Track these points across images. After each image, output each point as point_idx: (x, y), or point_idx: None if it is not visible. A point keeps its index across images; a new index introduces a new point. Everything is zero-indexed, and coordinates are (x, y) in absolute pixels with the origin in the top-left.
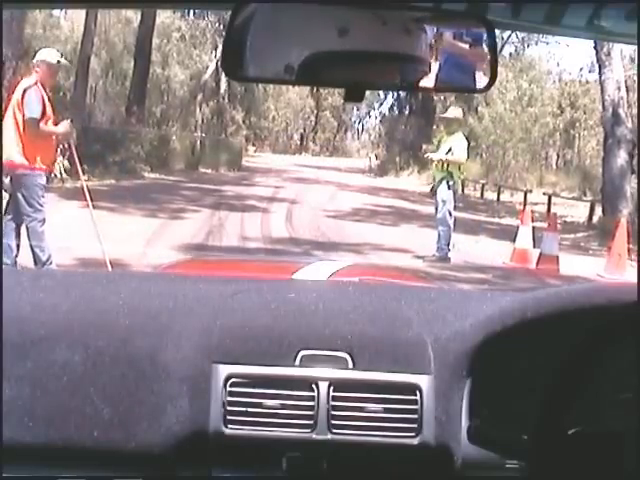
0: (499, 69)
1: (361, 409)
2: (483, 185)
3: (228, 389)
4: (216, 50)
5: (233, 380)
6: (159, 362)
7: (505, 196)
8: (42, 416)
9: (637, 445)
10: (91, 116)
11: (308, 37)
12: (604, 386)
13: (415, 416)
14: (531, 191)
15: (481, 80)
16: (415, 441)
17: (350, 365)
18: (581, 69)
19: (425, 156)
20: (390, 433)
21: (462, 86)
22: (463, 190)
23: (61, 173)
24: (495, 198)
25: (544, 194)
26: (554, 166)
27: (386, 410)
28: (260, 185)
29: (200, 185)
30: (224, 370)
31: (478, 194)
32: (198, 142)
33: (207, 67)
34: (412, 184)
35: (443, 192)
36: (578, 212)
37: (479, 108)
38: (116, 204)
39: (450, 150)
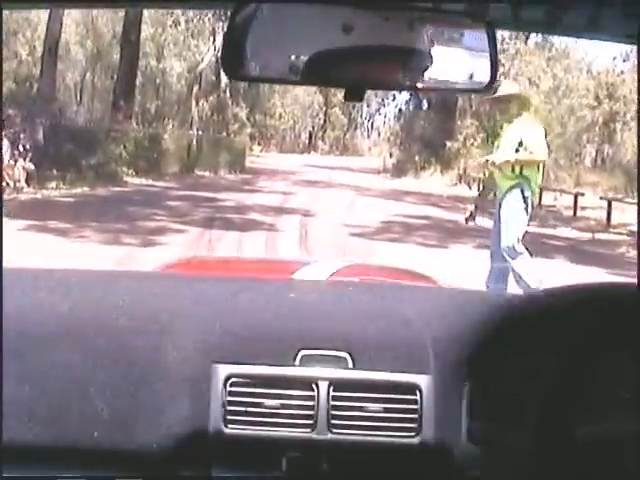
0: (529, 58)
1: (361, 409)
2: None
3: (228, 389)
4: (215, 38)
5: (233, 380)
6: (159, 362)
7: (546, 199)
8: (42, 416)
9: (637, 444)
10: (66, 112)
11: (307, 36)
12: (604, 386)
13: (415, 416)
14: (583, 194)
15: (481, 80)
16: (415, 441)
17: (350, 365)
18: (614, 58)
19: (485, 161)
20: (390, 433)
21: (462, 86)
22: (495, 194)
23: (15, 181)
24: (539, 202)
25: (601, 198)
26: (593, 164)
27: (386, 410)
28: (265, 191)
29: (193, 193)
30: (224, 370)
31: None
32: (194, 141)
33: (204, 59)
34: (436, 186)
35: (514, 209)
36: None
37: None
38: (73, 223)
39: (521, 144)
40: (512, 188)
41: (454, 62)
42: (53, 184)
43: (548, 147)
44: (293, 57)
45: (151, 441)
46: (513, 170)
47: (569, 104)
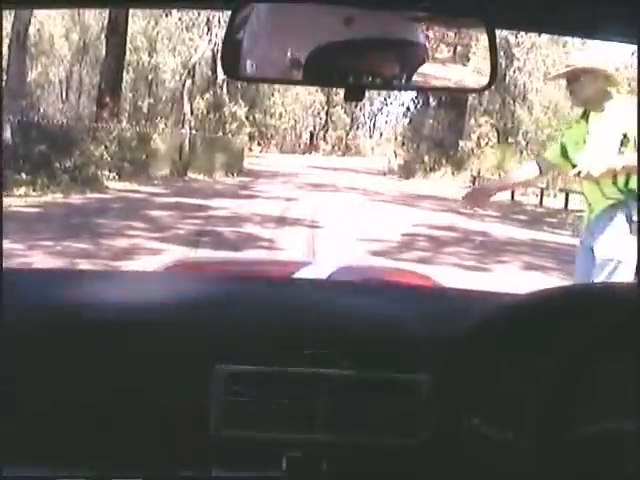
0: (546, 51)
1: (361, 409)
2: (542, 190)
3: (228, 389)
4: (209, 29)
5: (233, 380)
6: (159, 362)
7: (574, 203)
8: (42, 416)
9: (637, 445)
10: (41, 109)
11: (307, 36)
12: (604, 386)
13: (415, 416)
14: None
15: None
16: (415, 441)
17: (350, 365)
18: (632, 54)
19: (577, 174)
20: (390, 433)
21: (462, 85)
22: (513, 196)
23: None
24: (561, 206)
25: None
26: None
27: (386, 409)
28: (264, 196)
29: (182, 199)
30: (224, 370)
31: (533, 200)
32: (187, 141)
33: (197, 50)
34: (449, 188)
35: (615, 242)
36: None
37: (528, 96)
38: (25, 242)
39: (626, 141)
40: (612, 209)
41: (454, 61)
42: (21, 190)
43: None
44: (293, 57)
45: (151, 441)
46: (615, 182)
47: None
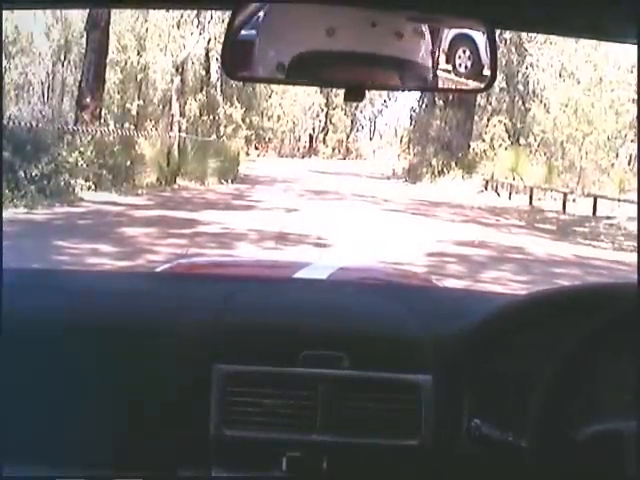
0: (561, 46)
1: (361, 409)
2: (565, 195)
3: (228, 389)
4: (199, 21)
5: (233, 380)
6: (159, 362)
7: (603, 209)
8: (42, 416)
9: (637, 444)
10: (12, 112)
11: (308, 36)
12: (604, 386)
13: (415, 416)
14: None
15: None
16: (415, 441)
17: (350, 365)
18: None
19: None
20: (390, 433)
21: (461, 86)
22: (531, 201)
23: None
24: (585, 212)
25: None
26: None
27: (386, 410)
28: (262, 207)
29: (166, 212)
30: (224, 370)
31: (552, 204)
32: (176, 145)
33: (185, 45)
34: (462, 193)
35: None
36: None
37: (543, 94)
38: None
39: None
40: None
41: (453, 61)
42: None
43: None
44: (294, 57)
45: (151, 441)
46: None
47: (610, 97)
